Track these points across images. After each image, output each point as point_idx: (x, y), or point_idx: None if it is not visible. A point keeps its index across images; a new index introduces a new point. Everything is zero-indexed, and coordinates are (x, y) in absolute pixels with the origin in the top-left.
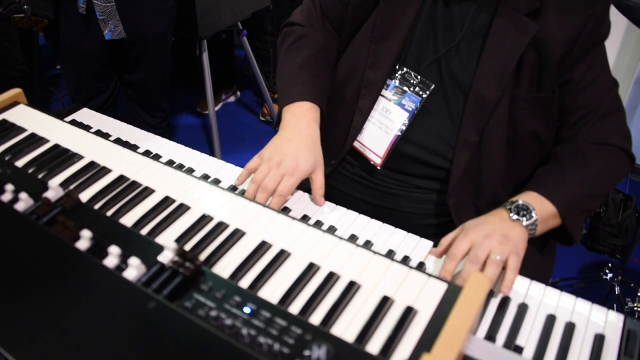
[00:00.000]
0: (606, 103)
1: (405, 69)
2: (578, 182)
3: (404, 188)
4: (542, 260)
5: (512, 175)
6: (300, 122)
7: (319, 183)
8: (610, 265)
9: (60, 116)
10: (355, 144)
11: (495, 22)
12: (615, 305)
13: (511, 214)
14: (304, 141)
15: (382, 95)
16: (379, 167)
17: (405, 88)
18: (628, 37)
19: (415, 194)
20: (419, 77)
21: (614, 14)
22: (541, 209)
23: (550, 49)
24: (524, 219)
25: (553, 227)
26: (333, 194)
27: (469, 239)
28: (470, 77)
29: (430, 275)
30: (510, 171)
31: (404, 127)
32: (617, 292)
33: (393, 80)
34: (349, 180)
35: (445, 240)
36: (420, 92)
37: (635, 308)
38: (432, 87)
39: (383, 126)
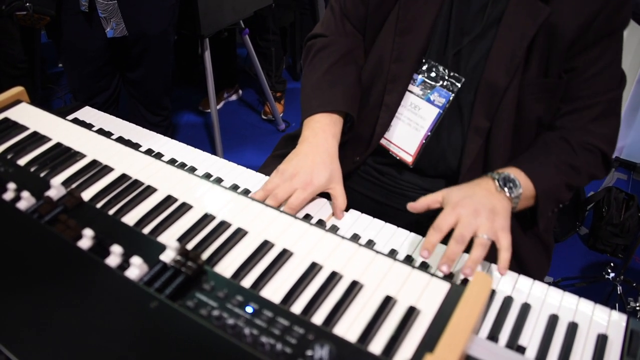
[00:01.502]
0: (605, 102)
1: (432, 62)
2: (561, 172)
3: (414, 190)
4: (540, 259)
5: (514, 157)
6: (318, 137)
7: (340, 198)
8: (612, 264)
9: (62, 114)
10: (383, 142)
11: (509, 7)
12: (617, 304)
13: (497, 185)
14: (320, 156)
15: (410, 91)
16: (410, 166)
17: (433, 83)
18: (630, 37)
19: (421, 196)
20: (447, 71)
21: None
22: (524, 185)
23: (561, 34)
24: (510, 191)
25: (525, 208)
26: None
27: (457, 213)
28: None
29: (433, 274)
30: (514, 156)
31: (434, 124)
32: (619, 292)
33: (420, 75)
34: (359, 178)
35: (424, 200)
36: (450, 87)
37: (638, 308)
38: (463, 81)
39: (413, 123)
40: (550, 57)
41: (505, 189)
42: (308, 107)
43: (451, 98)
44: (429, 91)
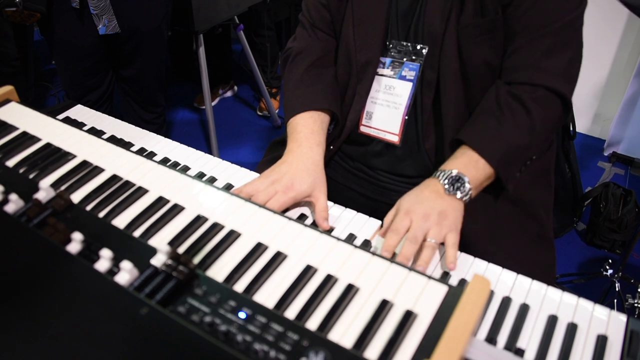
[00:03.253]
0: (554, 32)
1: (395, 41)
2: (514, 136)
3: (396, 184)
4: (542, 255)
5: (471, 109)
6: (302, 147)
7: (321, 206)
8: (610, 261)
9: (54, 113)
10: (367, 130)
11: None
12: (615, 301)
13: (445, 187)
14: (304, 164)
15: (381, 74)
16: (398, 144)
17: (401, 59)
18: (628, 31)
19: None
20: (407, 43)
21: (614, 6)
22: (475, 175)
23: None
24: (458, 192)
25: (488, 184)
26: (332, 186)
27: (409, 217)
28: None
29: (430, 277)
30: (469, 105)
31: (411, 98)
32: (617, 289)
33: (388, 57)
34: (348, 174)
35: (387, 219)
36: (416, 58)
37: (636, 304)
38: (427, 49)
39: (391, 103)
40: None
41: (453, 191)
42: (290, 108)
43: (421, 68)
44: (399, 69)
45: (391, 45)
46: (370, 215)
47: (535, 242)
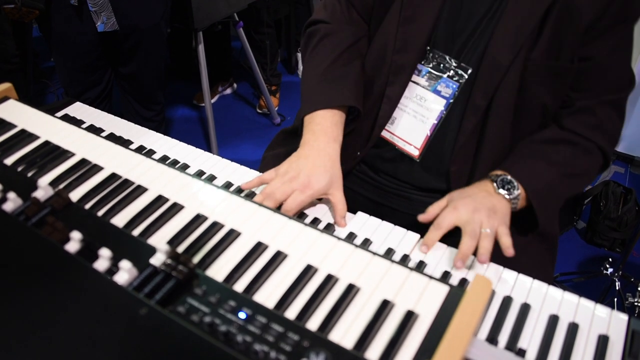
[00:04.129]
0: (614, 101)
1: (437, 52)
2: (554, 176)
3: (406, 190)
4: (543, 256)
5: (514, 144)
6: (319, 141)
7: (340, 204)
8: (610, 259)
9: (52, 111)
10: (387, 134)
11: None
12: (615, 300)
13: (496, 187)
14: (321, 159)
15: (415, 82)
16: (417, 159)
17: (440, 73)
18: None
19: (417, 197)
20: (452, 60)
21: None
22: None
23: (576, 15)
24: (508, 192)
25: (525, 207)
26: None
27: (457, 213)
28: None
29: (431, 277)
30: (513, 140)
31: (442, 115)
32: (617, 287)
33: (425, 65)
34: (354, 177)
35: (432, 209)
36: (458, 78)
37: (636, 303)
38: (470, 71)
39: (418, 115)
40: (563, 40)
41: (504, 191)
42: (311, 100)
43: (458, 89)
44: (434, 82)
45: (432, 55)
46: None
47: (537, 239)
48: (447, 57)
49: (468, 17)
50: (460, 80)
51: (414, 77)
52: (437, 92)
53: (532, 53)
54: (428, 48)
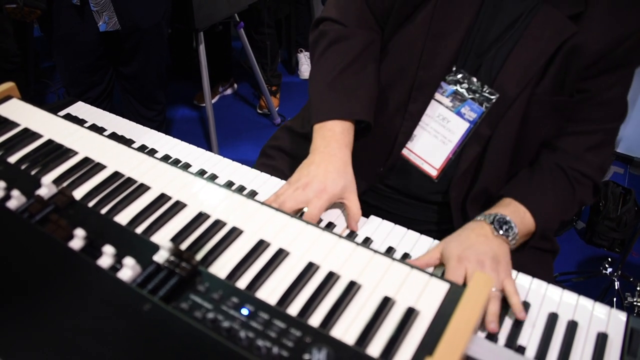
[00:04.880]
0: (605, 131)
1: (463, 73)
2: (557, 209)
3: (403, 195)
4: (542, 257)
5: (509, 173)
6: (331, 147)
7: (355, 208)
8: (609, 259)
9: (55, 110)
10: (405, 151)
11: (536, 18)
12: (615, 299)
13: (493, 229)
14: (333, 165)
15: (438, 101)
16: (435, 180)
17: (466, 95)
18: None
19: (415, 202)
20: (480, 83)
21: None
22: (522, 224)
23: (583, 55)
24: (507, 233)
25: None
26: None
27: (463, 267)
28: None
29: (432, 274)
30: (509, 170)
31: (464, 138)
32: (616, 287)
33: (451, 85)
34: (370, 192)
35: (424, 261)
36: (482, 101)
37: (635, 303)
38: (497, 96)
39: (440, 136)
40: (566, 76)
41: (502, 233)
42: (322, 109)
43: (483, 114)
44: (459, 103)
45: (460, 75)
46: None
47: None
48: (474, 79)
49: (488, 42)
50: (487, 104)
51: (437, 96)
52: (461, 115)
53: (537, 88)
54: (454, 68)
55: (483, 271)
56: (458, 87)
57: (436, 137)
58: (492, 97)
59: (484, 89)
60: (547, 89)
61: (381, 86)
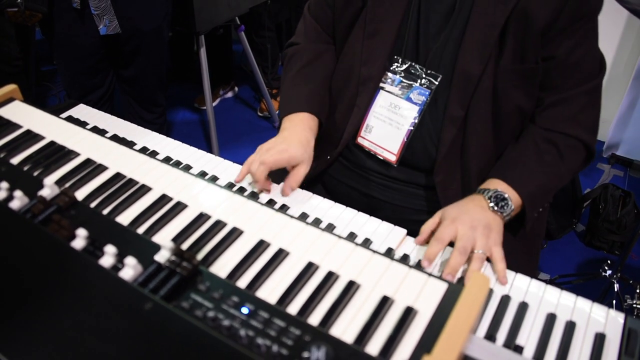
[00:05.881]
0: (587, 92)
1: (408, 63)
2: (546, 178)
3: (391, 181)
4: (527, 260)
5: (498, 149)
6: (296, 127)
7: (298, 176)
8: (609, 262)
9: (56, 112)
10: (365, 142)
11: None
12: (614, 302)
13: (490, 204)
14: (297, 137)
15: (388, 91)
16: (395, 165)
17: (411, 82)
18: (627, 31)
19: (403, 187)
20: (423, 69)
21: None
22: (514, 199)
23: (534, 19)
24: (502, 209)
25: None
26: (328, 181)
27: (455, 227)
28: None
29: (430, 274)
30: (496, 146)
31: (415, 121)
32: (616, 289)
33: (397, 75)
34: (344, 169)
35: (426, 228)
36: (428, 84)
37: (635, 305)
38: (440, 77)
39: (394, 122)
40: (524, 43)
41: (498, 208)
42: (286, 105)
43: (430, 95)
44: (407, 90)
45: (404, 66)
46: (364, 211)
47: (522, 248)
48: (418, 66)
49: (432, 29)
50: (431, 87)
51: (388, 87)
52: (410, 100)
53: (500, 60)
54: (399, 59)
55: (474, 234)
56: (404, 76)
57: (390, 124)
58: (436, 80)
59: (428, 73)
60: (509, 60)
61: (337, 87)
